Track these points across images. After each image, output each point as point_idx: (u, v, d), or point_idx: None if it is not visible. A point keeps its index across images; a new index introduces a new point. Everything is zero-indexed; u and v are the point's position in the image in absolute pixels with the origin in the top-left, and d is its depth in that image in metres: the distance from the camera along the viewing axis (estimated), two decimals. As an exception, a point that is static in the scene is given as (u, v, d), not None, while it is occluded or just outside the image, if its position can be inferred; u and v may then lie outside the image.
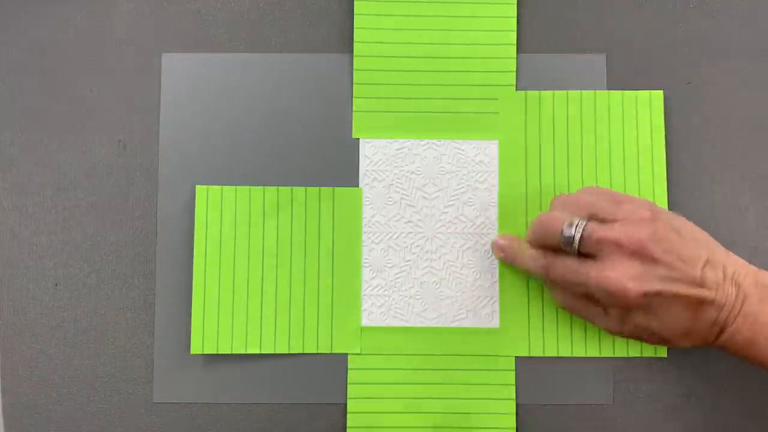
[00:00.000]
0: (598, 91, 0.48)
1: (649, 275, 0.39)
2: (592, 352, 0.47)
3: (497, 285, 0.47)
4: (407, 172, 0.48)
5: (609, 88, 0.48)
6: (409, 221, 0.48)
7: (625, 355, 0.47)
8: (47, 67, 0.49)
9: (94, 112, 0.49)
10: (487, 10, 0.49)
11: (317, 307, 0.47)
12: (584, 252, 0.40)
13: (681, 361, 0.47)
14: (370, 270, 0.47)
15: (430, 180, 0.48)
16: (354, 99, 0.48)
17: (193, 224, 0.47)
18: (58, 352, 0.47)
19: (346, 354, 0.47)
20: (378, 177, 0.48)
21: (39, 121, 0.48)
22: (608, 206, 0.41)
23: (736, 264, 0.41)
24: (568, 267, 0.41)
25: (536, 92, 0.48)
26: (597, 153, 0.48)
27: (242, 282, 0.47)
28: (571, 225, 0.40)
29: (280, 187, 0.48)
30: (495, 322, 0.47)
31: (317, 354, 0.47)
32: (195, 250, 0.47)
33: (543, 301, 0.47)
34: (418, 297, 0.47)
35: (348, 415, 0.46)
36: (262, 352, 0.46)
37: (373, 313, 0.47)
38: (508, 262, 0.46)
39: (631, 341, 0.47)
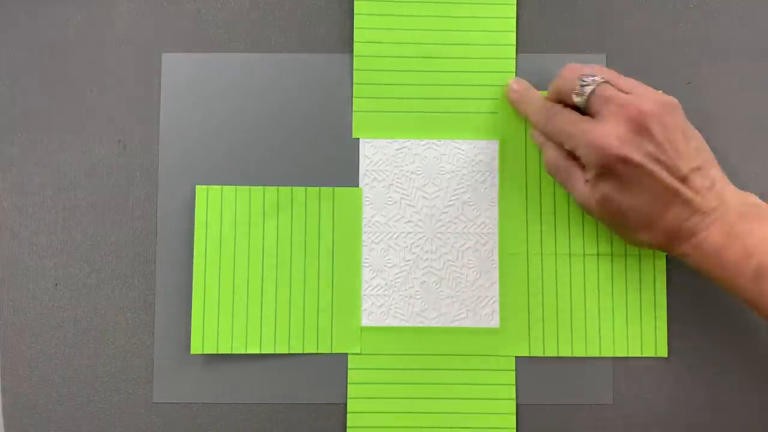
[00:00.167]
0: (598, 91, 0.48)
1: (636, 144, 0.39)
2: (592, 352, 0.47)
3: (497, 285, 0.47)
4: (407, 172, 0.48)
5: (609, 88, 0.48)
6: (409, 221, 0.48)
7: (625, 355, 0.47)
8: (47, 67, 0.49)
9: (94, 112, 0.49)
10: (487, 11, 0.49)
11: (317, 307, 0.47)
12: (590, 109, 0.41)
13: (681, 361, 0.47)
14: (370, 270, 0.47)
15: (430, 180, 0.48)
16: (354, 99, 0.48)
17: (193, 224, 0.47)
18: (58, 352, 0.47)
19: (346, 354, 0.47)
20: (378, 177, 0.48)
21: (39, 121, 0.48)
22: (632, 82, 0.42)
23: (728, 184, 0.41)
24: (568, 118, 0.42)
25: (536, 92, 0.48)
26: (597, 153, 0.48)
27: (242, 282, 0.47)
28: (591, 76, 0.42)
29: (280, 187, 0.48)
30: (495, 322, 0.47)
31: (317, 354, 0.47)
32: (195, 250, 0.47)
33: (543, 301, 0.47)
34: (418, 297, 0.47)
35: (348, 415, 0.46)
36: (262, 352, 0.46)
37: (373, 313, 0.47)
38: (515, 106, 0.47)
39: (631, 340, 0.47)
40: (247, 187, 0.48)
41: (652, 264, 0.47)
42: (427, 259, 0.47)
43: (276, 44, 0.49)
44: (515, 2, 0.49)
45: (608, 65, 0.49)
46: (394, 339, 0.47)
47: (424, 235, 0.48)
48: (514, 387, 0.47)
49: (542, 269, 0.47)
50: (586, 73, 0.42)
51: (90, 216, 0.48)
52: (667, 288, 0.47)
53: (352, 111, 0.48)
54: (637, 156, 0.39)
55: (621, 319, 0.47)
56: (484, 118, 0.48)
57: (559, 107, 0.43)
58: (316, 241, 0.47)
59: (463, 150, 0.48)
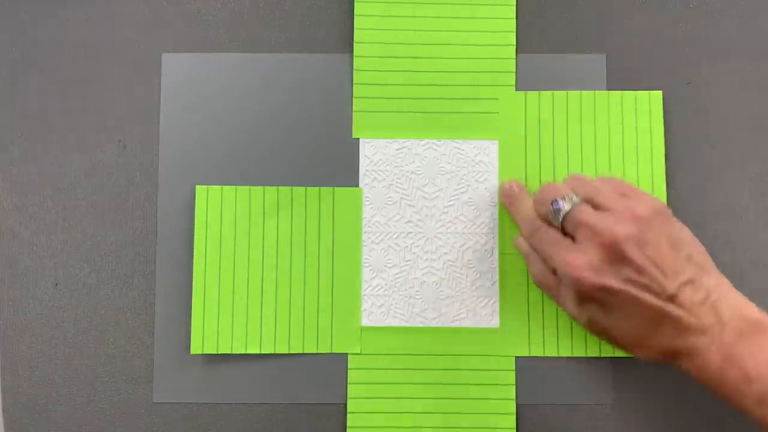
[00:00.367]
0: (597, 92, 0.48)
1: (614, 271, 0.38)
2: (592, 352, 0.47)
3: (497, 285, 0.47)
4: (407, 172, 0.48)
5: (609, 88, 0.48)
6: (409, 221, 0.48)
7: (625, 355, 0.47)
8: (47, 67, 0.49)
9: (94, 112, 0.49)
10: (487, 11, 0.49)
11: (317, 307, 0.47)
12: (567, 231, 0.40)
13: (681, 361, 0.47)
14: (370, 270, 0.47)
15: (430, 180, 0.48)
16: (354, 99, 0.48)
17: (193, 224, 0.47)
18: (58, 352, 0.47)
19: (346, 354, 0.47)
20: (378, 177, 0.48)
21: (39, 121, 0.48)
22: (611, 196, 0.41)
23: (725, 292, 0.38)
24: (549, 238, 0.41)
25: (536, 92, 0.48)
26: (596, 153, 0.48)
27: (242, 282, 0.47)
28: (563, 199, 0.41)
29: (280, 187, 0.48)
30: (495, 322, 0.47)
31: (317, 354, 0.47)
32: (195, 250, 0.47)
33: (543, 301, 0.47)
34: (418, 297, 0.47)
35: (348, 415, 0.46)
36: (262, 352, 0.46)
37: (373, 313, 0.47)
38: (506, 208, 0.46)
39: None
40: (247, 187, 0.48)
41: (652, 264, 0.47)
42: (427, 259, 0.47)
43: (276, 44, 0.49)
44: (515, 2, 0.49)
45: (608, 65, 0.49)
46: (394, 339, 0.47)
47: (424, 235, 0.48)
48: (514, 387, 0.47)
49: (542, 269, 0.47)
50: (560, 195, 0.41)
51: (90, 216, 0.48)
52: (667, 288, 0.47)
53: (352, 111, 0.48)
54: (615, 283, 0.38)
55: (621, 319, 0.47)
56: (484, 118, 0.48)
57: (542, 224, 0.42)
58: (316, 241, 0.47)
59: (463, 150, 0.48)
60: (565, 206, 0.40)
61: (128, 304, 0.47)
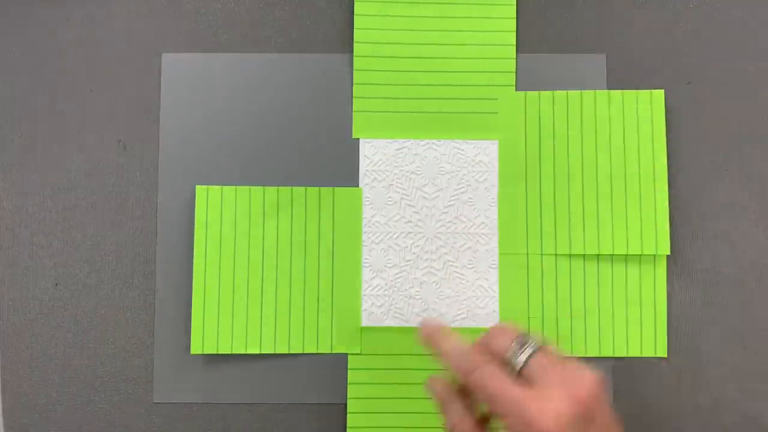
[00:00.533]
0: (598, 91, 0.48)
1: (579, 430, 0.33)
2: (592, 352, 0.47)
3: (497, 285, 0.47)
4: (407, 172, 0.48)
5: (609, 88, 0.48)
6: (409, 221, 0.48)
7: (625, 355, 0.47)
8: (47, 67, 0.49)
9: (94, 112, 0.49)
10: (487, 11, 0.49)
11: (317, 307, 0.47)
12: (526, 374, 0.35)
13: (681, 361, 0.47)
14: (370, 270, 0.47)
15: (430, 180, 0.48)
16: (354, 99, 0.48)
17: (193, 224, 0.47)
18: (58, 352, 0.47)
19: (346, 354, 0.47)
20: (378, 177, 0.48)
21: (39, 121, 0.48)
22: (562, 357, 0.36)
23: None
24: (496, 375, 0.35)
25: (536, 92, 0.48)
26: (597, 153, 0.48)
27: (242, 282, 0.47)
28: (526, 339, 0.36)
29: (280, 187, 0.48)
30: (495, 322, 0.47)
31: (317, 354, 0.47)
32: (195, 250, 0.47)
33: (543, 301, 0.47)
34: (418, 297, 0.47)
35: (348, 415, 0.46)
36: (262, 352, 0.46)
37: (373, 313, 0.47)
38: (430, 346, 0.39)
39: (631, 340, 0.47)
40: (247, 187, 0.48)
41: (653, 264, 0.47)
42: (427, 259, 0.47)
43: (276, 44, 0.49)
44: (515, 2, 0.49)
45: (608, 65, 0.49)
46: (394, 339, 0.47)
47: (424, 235, 0.48)
48: (514, 387, 0.46)
49: (542, 269, 0.47)
50: (521, 334, 0.36)
51: (90, 216, 0.48)
52: (667, 288, 0.47)
53: (352, 111, 0.48)
54: None
55: (621, 319, 0.47)
56: (484, 118, 0.48)
57: (486, 360, 0.36)
58: (316, 241, 0.47)
59: (463, 150, 0.48)
60: (530, 345, 0.35)
61: (128, 304, 0.47)
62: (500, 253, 0.47)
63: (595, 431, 0.33)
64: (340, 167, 0.48)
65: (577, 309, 0.47)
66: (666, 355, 0.47)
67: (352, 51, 0.49)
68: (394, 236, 0.48)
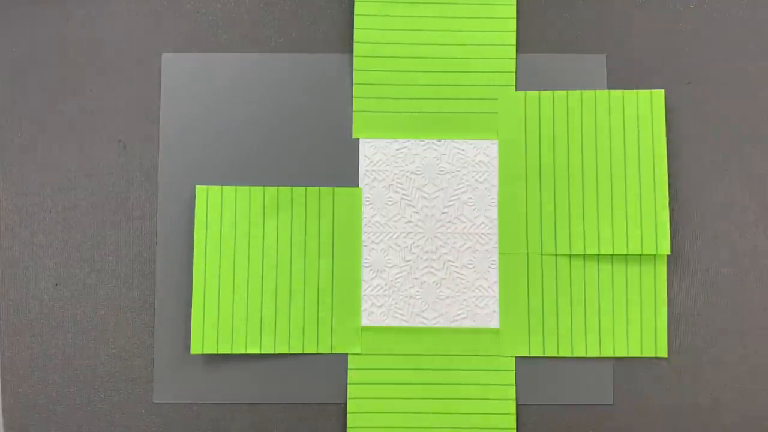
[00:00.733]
0: (598, 91, 0.48)
1: None
2: (592, 352, 0.47)
3: (497, 285, 0.47)
4: (407, 172, 0.48)
5: (609, 88, 0.48)
6: (409, 221, 0.48)
7: (625, 355, 0.47)
8: (47, 67, 0.49)
9: (94, 112, 0.49)
10: (487, 11, 0.49)
11: (317, 307, 0.47)
12: None
13: (681, 361, 0.47)
14: (370, 270, 0.47)
15: (430, 180, 0.48)
16: (354, 99, 0.48)
17: (193, 224, 0.47)
18: (58, 352, 0.47)
19: (346, 354, 0.47)
20: (378, 177, 0.48)
21: (39, 121, 0.48)
22: None
23: None
24: None
25: (536, 92, 0.48)
26: (597, 153, 0.48)
27: (242, 282, 0.47)
28: None
29: (280, 187, 0.48)
30: (495, 322, 0.47)
31: (317, 354, 0.47)
32: (195, 250, 0.47)
33: (543, 301, 0.47)
34: (418, 297, 0.47)
35: (348, 415, 0.46)
36: (262, 352, 0.46)
37: (373, 313, 0.47)
38: None
39: (632, 340, 0.47)
40: (247, 187, 0.48)
41: (653, 264, 0.47)
42: (427, 259, 0.47)
43: (276, 44, 0.49)
44: (515, 2, 0.49)
45: (608, 65, 0.49)
46: (394, 339, 0.47)
47: (424, 235, 0.48)
48: (514, 387, 0.47)
49: (542, 269, 0.47)
50: None
51: (90, 216, 0.48)
52: (667, 288, 0.47)
53: (352, 111, 0.48)
54: None
55: (621, 319, 0.47)
56: (484, 118, 0.48)
57: None
58: (316, 241, 0.47)
59: (463, 150, 0.48)
60: None
61: (128, 304, 0.47)
62: (500, 253, 0.47)
63: None
64: (340, 167, 0.48)
65: (577, 309, 0.47)
66: (666, 356, 0.47)
67: (352, 51, 0.49)
68: (394, 236, 0.48)
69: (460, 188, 0.48)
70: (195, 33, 0.49)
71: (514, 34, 0.49)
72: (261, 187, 0.48)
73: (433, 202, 0.48)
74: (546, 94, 0.48)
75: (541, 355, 0.47)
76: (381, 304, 0.47)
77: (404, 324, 0.47)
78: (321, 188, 0.48)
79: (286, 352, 0.47)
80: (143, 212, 0.48)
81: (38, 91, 0.49)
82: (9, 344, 0.47)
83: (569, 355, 0.47)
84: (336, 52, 0.49)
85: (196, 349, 0.46)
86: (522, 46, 0.49)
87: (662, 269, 0.47)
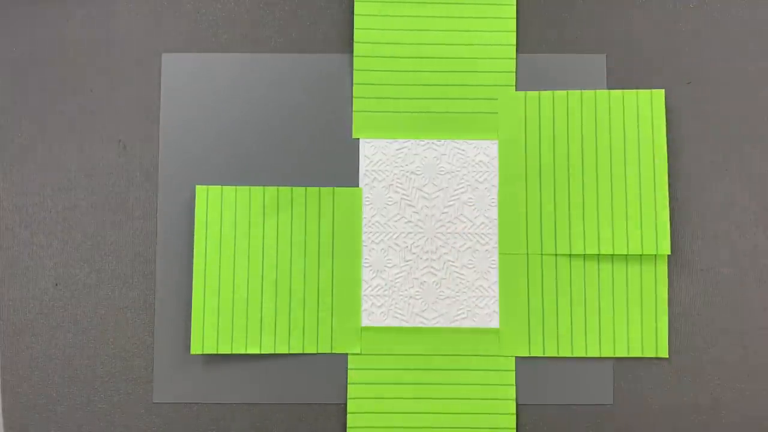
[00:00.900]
0: (598, 91, 0.48)
1: None
2: (592, 352, 0.47)
3: (497, 285, 0.47)
4: (407, 172, 0.48)
5: (609, 88, 0.48)
6: (409, 221, 0.48)
7: (626, 355, 0.47)
8: (47, 67, 0.49)
9: (94, 112, 0.49)
10: (487, 11, 0.49)
11: (317, 307, 0.47)
12: None
13: (681, 361, 0.47)
14: (370, 270, 0.47)
15: (430, 180, 0.48)
16: (354, 99, 0.48)
17: (193, 224, 0.47)
18: (58, 352, 0.47)
19: (346, 354, 0.47)
20: (378, 177, 0.48)
21: (39, 121, 0.48)
22: None
23: None
24: None
25: (536, 92, 0.48)
26: (597, 152, 0.48)
27: (242, 282, 0.47)
28: None
29: (280, 187, 0.48)
30: (495, 322, 0.47)
31: (317, 354, 0.47)
32: (195, 250, 0.47)
33: (543, 301, 0.47)
34: (418, 297, 0.47)
35: (348, 415, 0.46)
36: (262, 352, 0.46)
37: (373, 313, 0.47)
38: None
39: (632, 340, 0.47)
40: (247, 187, 0.48)
41: (654, 264, 0.47)
42: (427, 259, 0.47)
43: (276, 44, 0.49)
44: (515, 2, 0.49)
45: (608, 65, 0.49)
46: (394, 339, 0.47)
47: (424, 235, 0.48)
48: (514, 387, 0.47)
49: (542, 269, 0.47)
50: None
51: (90, 216, 0.48)
52: (668, 288, 0.47)
53: (352, 111, 0.48)
54: None
55: (621, 320, 0.47)
56: (484, 118, 0.48)
57: None
58: (316, 241, 0.47)
59: (463, 150, 0.48)
60: None
61: (128, 304, 0.47)
62: (500, 253, 0.47)
63: None
64: (340, 167, 0.48)
65: (578, 309, 0.47)
66: (667, 356, 0.47)
67: (352, 51, 0.49)
68: (394, 236, 0.48)
69: (460, 188, 0.48)
70: (195, 33, 0.49)
71: (514, 34, 0.49)
72: (261, 187, 0.48)
73: (433, 202, 0.48)
74: (546, 94, 0.48)
75: (541, 355, 0.47)
76: (381, 304, 0.47)
77: (404, 324, 0.47)
78: (321, 188, 0.48)
79: (286, 352, 0.47)
80: (143, 212, 0.48)
81: (38, 91, 0.49)
82: (9, 344, 0.47)
83: (569, 355, 0.47)
84: (336, 52, 0.49)
85: (196, 349, 0.46)
86: (522, 46, 0.49)
87: (663, 269, 0.47)
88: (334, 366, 0.47)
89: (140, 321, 0.47)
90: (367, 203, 0.48)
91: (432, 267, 0.47)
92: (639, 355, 0.47)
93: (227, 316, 0.47)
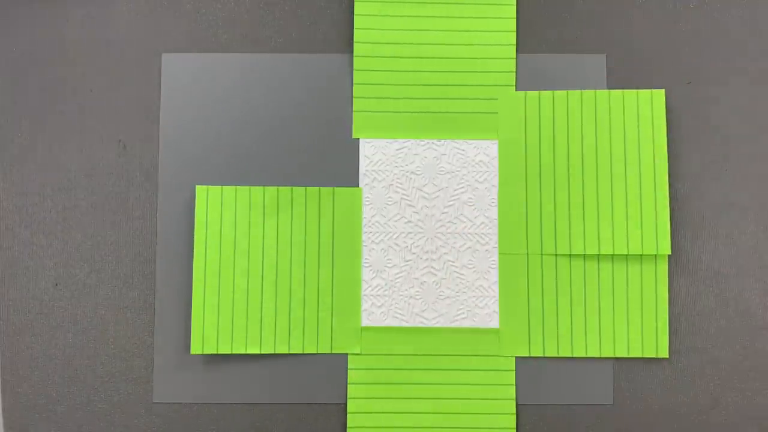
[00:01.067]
0: (598, 91, 0.48)
1: None
2: (592, 352, 0.47)
3: (497, 285, 0.47)
4: (407, 172, 0.48)
5: (609, 88, 0.48)
6: (409, 221, 0.48)
7: (626, 355, 0.47)
8: (47, 67, 0.49)
9: (94, 112, 0.49)
10: (487, 11, 0.49)
11: (317, 307, 0.47)
12: None
13: (681, 361, 0.47)
14: (370, 270, 0.47)
15: (430, 180, 0.48)
16: (354, 99, 0.48)
17: (193, 224, 0.47)
18: (58, 352, 0.47)
19: (346, 354, 0.47)
20: (378, 177, 0.48)
21: (39, 121, 0.48)
22: None
23: None
24: None
25: (536, 92, 0.48)
26: (597, 153, 0.48)
27: (242, 282, 0.47)
28: None
29: (280, 187, 0.48)
30: (495, 322, 0.47)
31: (317, 354, 0.47)
32: (195, 250, 0.47)
33: (543, 301, 0.47)
34: (418, 297, 0.47)
35: (348, 415, 0.46)
36: (262, 352, 0.46)
37: (373, 313, 0.47)
38: None
39: (632, 340, 0.47)
40: (247, 187, 0.48)
41: (654, 264, 0.47)
42: (427, 259, 0.47)
43: (276, 44, 0.49)
44: (515, 2, 0.49)
45: (608, 65, 0.49)
46: (394, 339, 0.47)
47: (424, 235, 0.48)
48: (514, 387, 0.47)
49: (542, 269, 0.47)
50: None
51: (90, 216, 0.48)
52: (668, 288, 0.47)
53: (352, 111, 0.48)
54: None
55: (621, 320, 0.47)
56: (484, 118, 0.48)
57: None
58: (316, 241, 0.47)
59: (463, 150, 0.48)
60: None
61: (128, 304, 0.47)
62: (500, 253, 0.47)
63: None
64: (340, 167, 0.48)
65: (578, 309, 0.47)
66: (667, 356, 0.47)
67: (352, 51, 0.49)
68: (394, 236, 0.48)
69: (460, 188, 0.48)
70: (195, 33, 0.49)
71: (514, 34, 0.49)
72: (261, 187, 0.48)
73: (433, 202, 0.48)
74: (546, 94, 0.48)
75: (541, 355, 0.47)
76: (381, 304, 0.47)
77: (404, 324, 0.47)
78: (321, 188, 0.48)
79: (286, 352, 0.47)
80: (143, 212, 0.48)
81: (38, 91, 0.49)
82: (9, 344, 0.47)
83: (569, 355, 0.47)
84: (336, 52, 0.49)
85: (196, 349, 0.46)
86: (522, 46, 0.49)
87: (663, 269, 0.47)
88: (334, 366, 0.47)
89: (140, 321, 0.47)
90: (367, 203, 0.48)
91: (432, 267, 0.47)
92: (639, 355, 0.47)
93: (227, 316, 0.47)
